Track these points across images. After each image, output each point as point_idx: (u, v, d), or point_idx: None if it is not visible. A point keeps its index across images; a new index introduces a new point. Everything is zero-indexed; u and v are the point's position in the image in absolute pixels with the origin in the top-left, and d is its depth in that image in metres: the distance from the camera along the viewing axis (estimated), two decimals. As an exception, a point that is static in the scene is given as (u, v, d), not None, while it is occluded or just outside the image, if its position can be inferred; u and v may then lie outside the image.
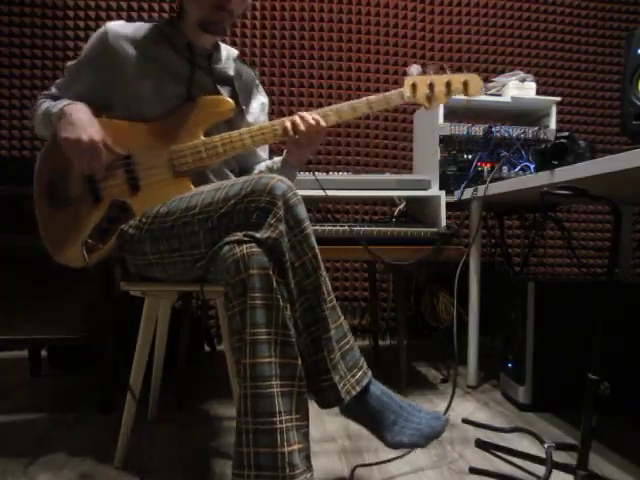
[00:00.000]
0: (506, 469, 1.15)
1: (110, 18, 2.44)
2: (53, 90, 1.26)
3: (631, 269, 2.23)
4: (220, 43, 1.34)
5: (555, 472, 1.10)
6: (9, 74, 2.40)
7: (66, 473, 1.12)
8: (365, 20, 2.62)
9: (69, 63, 1.25)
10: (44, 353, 1.96)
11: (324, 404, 1.00)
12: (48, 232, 1.19)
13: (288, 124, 1.15)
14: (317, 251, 0.99)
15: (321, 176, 1.74)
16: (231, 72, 1.32)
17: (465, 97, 1.24)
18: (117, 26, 1.21)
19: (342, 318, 1.03)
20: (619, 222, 0.97)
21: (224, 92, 1.28)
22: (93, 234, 1.14)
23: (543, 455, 1.14)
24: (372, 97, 1.22)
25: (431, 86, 1.22)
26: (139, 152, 1.17)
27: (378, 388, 1.04)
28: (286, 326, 0.88)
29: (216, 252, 0.94)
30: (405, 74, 1.25)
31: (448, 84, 1.22)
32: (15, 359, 2.07)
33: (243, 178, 1.00)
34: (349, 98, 2.60)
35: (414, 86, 1.22)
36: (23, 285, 1.49)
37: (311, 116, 1.15)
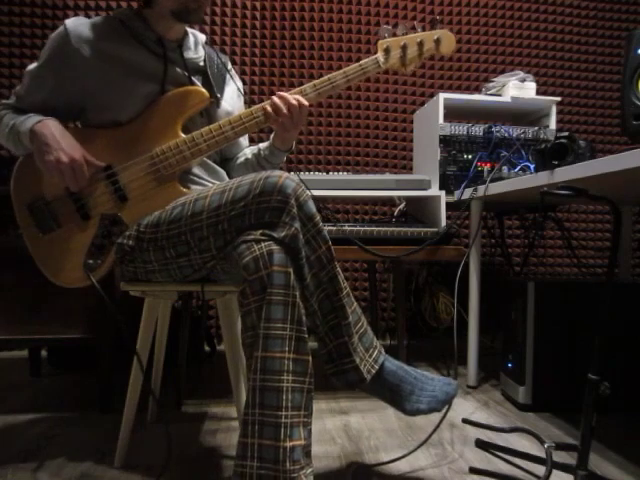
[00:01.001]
0: (506, 469, 1.15)
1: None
2: (12, 100, 1.18)
3: (631, 269, 2.23)
4: (188, 29, 1.27)
5: (555, 472, 1.10)
6: (9, 74, 2.40)
7: (66, 473, 1.12)
8: (365, 20, 2.62)
9: (28, 67, 1.15)
10: (44, 353, 1.96)
11: (348, 384, 1.04)
12: (42, 258, 1.14)
13: (269, 108, 1.13)
14: (330, 243, 1.02)
15: (321, 176, 1.74)
16: (202, 60, 1.26)
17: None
18: (78, 25, 1.12)
19: (355, 303, 1.08)
20: (619, 222, 0.97)
21: (198, 82, 1.23)
22: (90, 253, 1.11)
23: (543, 455, 1.14)
24: (348, 68, 1.19)
25: (404, 47, 1.19)
26: (119, 160, 1.12)
27: (392, 363, 1.09)
28: (301, 322, 0.90)
29: (229, 252, 0.96)
30: (377, 38, 1.19)
31: (420, 44, 1.19)
32: (15, 359, 2.07)
33: (249, 178, 0.98)
34: (349, 98, 2.61)
35: (387, 50, 1.19)
36: (23, 285, 1.49)
37: (291, 96, 1.14)
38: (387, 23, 2.63)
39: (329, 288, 1.01)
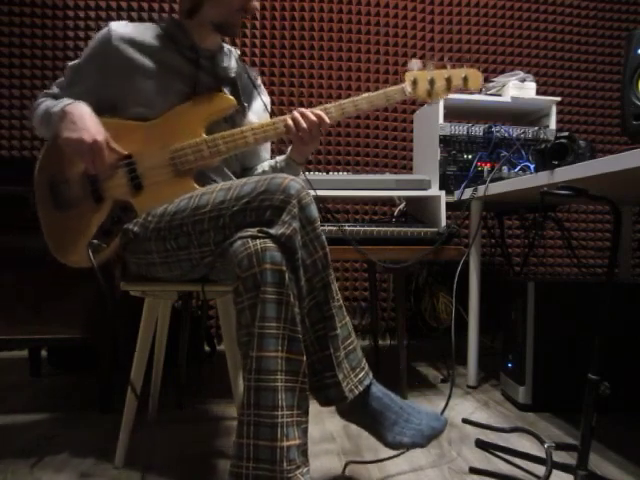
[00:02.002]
0: (506, 469, 1.15)
1: (110, 18, 2.44)
2: (54, 89, 1.25)
3: (631, 269, 2.23)
4: (223, 44, 1.33)
5: (555, 472, 1.10)
6: (9, 74, 2.40)
7: (66, 473, 1.12)
8: (365, 20, 2.62)
9: (71, 63, 1.24)
10: (44, 353, 1.96)
11: (326, 401, 1.01)
12: (52, 234, 1.19)
13: (290, 122, 1.16)
14: (327, 250, 1.01)
15: (321, 176, 1.74)
16: (233, 72, 1.32)
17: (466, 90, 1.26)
18: (120, 26, 1.19)
19: (347, 318, 1.05)
20: (619, 222, 0.97)
21: (227, 92, 1.27)
22: (97, 235, 1.14)
23: (543, 455, 1.14)
24: (373, 93, 1.23)
25: (432, 82, 1.23)
26: (140, 151, 1.17)
27: (379, 389, 1.05)
28: (295, 322, 0.89)
29: (226, 247, 0.95)
30: (406, 69, 1.26)
31: (448, 79, 1.23)
32: (15, 359, 2.07)
33: (255, 177, 1.00)
34: (349, 97, 2.60)
35: (415, 82, 1.23)
36: (23, 285, 1.49)
37: (313, 112, 1.16)
38: (387, 24, 2.63)
39: (320, 296, 1.00)
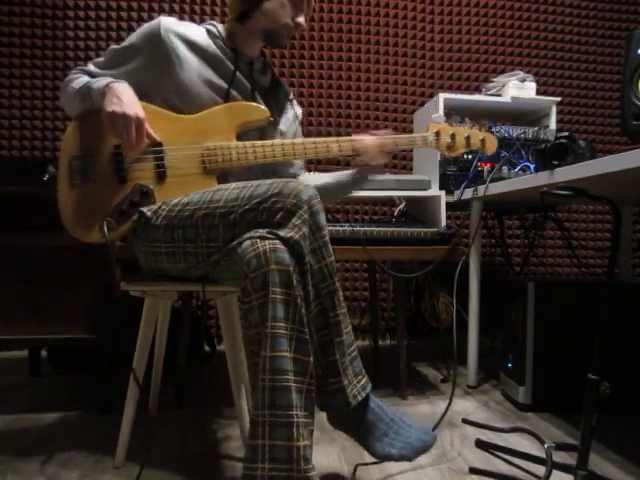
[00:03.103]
0: (506, 469, 1.16)
1: (110, 18, 2.43)
2: (91, 67, 1.25)
3: (631, 269, 2.23)
4: (261, 52, 1.35)
5: (555, 472, 1.10)
6: (9, 74, 2.40)
7: (66, 473, 1.12)
8: (365, 20, 2.62)
9: (114, 45, 1.25)
10: (44, 353, 1.96)
11: (329, 406, 1.01)
12: (67, 205, 1.17)
13: (333, 147, 1.24)
14: (334, 259, 1.02)
15: (321, 176, 1.74)
16: (268, 82, 1.35)
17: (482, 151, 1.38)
18: (170, 21, 1.21)
19: (350, 327, 1.05)
20: (619, 222, 0.97)
21: (259, 99, 1.29)
22: (113, 214, 1.14)
23: (543, 455, 1.14)
24: (400, 137, 1.31)
25: (453, 136, 1.33)
26: (171, 142, 1.18)
27: (373, 400, 1.06)
28: (302, 323, 0.90)
29: (235, 247, 0.96)
30: (430, 120, 1.37)
31: (468, 138, 1.34)
32: (15, 359, 2.07)
33: (270, 180, 1.01)
34: (349, 98, 2.60)
35: (438, 133, 1.33)
36: (23, 285, 1.49)
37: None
38: (387, 24, 2.63)
39: (327, 302, 1.00)
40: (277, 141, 1.22)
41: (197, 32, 1.24)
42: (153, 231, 1.09)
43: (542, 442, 1.21)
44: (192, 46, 1.21)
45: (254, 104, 1.24)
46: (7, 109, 2.40)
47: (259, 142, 1.20)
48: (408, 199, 2.10)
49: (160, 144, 1.18)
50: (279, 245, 0.91)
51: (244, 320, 0.91)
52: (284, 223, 0.95)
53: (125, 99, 1.10)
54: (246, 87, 1.27)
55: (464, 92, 2.63)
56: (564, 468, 1.11)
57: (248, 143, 1.19)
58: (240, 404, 1.17)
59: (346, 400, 0.99)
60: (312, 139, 1.24)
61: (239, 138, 1.21)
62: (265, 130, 1.29)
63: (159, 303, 1.27)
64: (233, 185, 1.05)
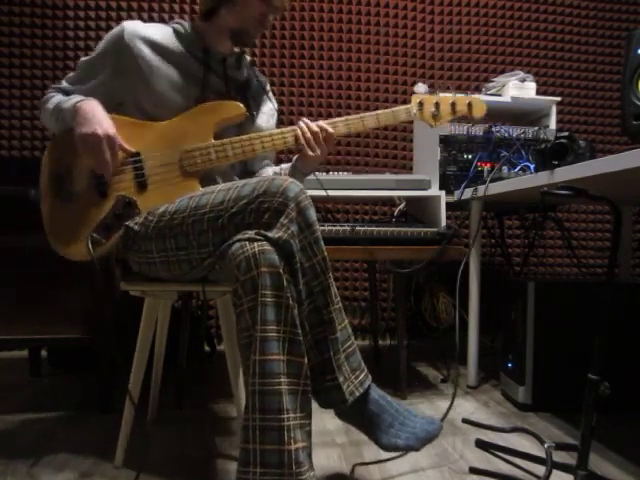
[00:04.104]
0: (506, 469, 1.15)
1: (110, 18, 2.44)
2: (64, 84, 1.26)
3: (631, 269, 2.23)
4: (235, 49, 1.33)
5: (555, 472, 1.10)
6: (9, 74, 2.40)
7: (66, 473, 1.12)
8: (365, 20, 2.62)
9: (83, 58, 1.25)
10: (44, 353, 1.96)
11: (327, 404, 1.01)
12: (52, 225, 1.18)
13: (298, 132, 1.18)
14: (326, 254, 1.01)
15: (321, 176, 1.74)
16: (243, 78, 1.33)
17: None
18: (134, 25, 1.20)
19: (346, 320, 1.05)
20: (619, 222, 0.97)
21: (235, 97, 1.28)
22: (98, 229, 1.14)
23: (543, 455, 1.14)
24: (380, 111, 1.26)
25: (437, 105, 1.28)
26: (148, 150, 1.18)
27: (376, 392, 1.06)
28: (295, 324, 0.89)
29: (225, 250, 0.95)
30: (412, 92, 1.31)
31: (453, 104, 1.29)
32: (15, 359, 2.07)
33: (255, 179, 1.00)
34: (349, 98, 2.60)
35: (421, 104, 1.28)
36: (23, 285, 1.49)
37: (317, 125, 1.19)
38: (387, 24, 2.63)
39: (320, 300, 1.00)
40: (254, 135, 1.19)
41: (163, 33, 1.23)
42: (144, 243, 1.09)
43: (542, 442, 1.21)
44: (159, 49, 1.20)
45: (227, 101, 1.22)
46: (7, 109, 2.40)
47: (236, 138, 1.18)
48: (408, 199, 2.10)
49: (138, 154, 1.17)
50: (267, 247, 0.90)
51: (237, 324, 0.91)
52: (272, 223, 0.94)
53: (94, 118, 1.10)
54: (220, 86, 1.26)
55: (464, 92, 2.62)
56: (564, 468, 1.11)
57: (226, 141, 1.18)
58: (239, 404, 1.17)
59: (342, 397, 0.99)
60: (291, 127, 1.21)
61: (218, 137, 1.19)
62: (243, 126, 1.27)
63: (159, 303, 1.27)
64: (218, 187, 1.05)
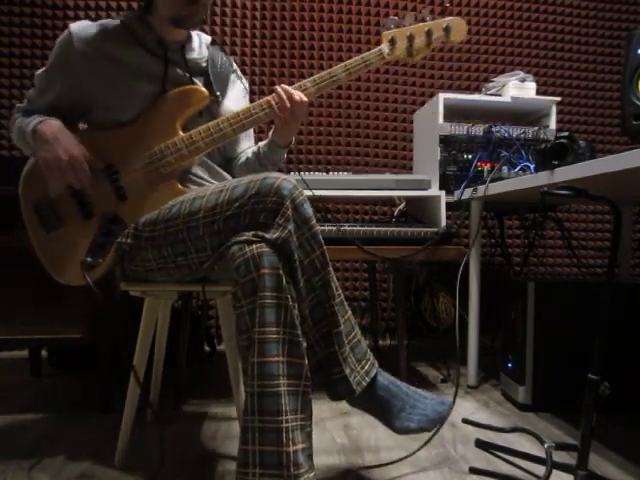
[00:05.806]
0: (506, 469, 1.15)
1: (110, 18, 2.43)
2: (25, 104, 1.22)
3: (631, 269, 2.23)
4: (192, 32, 1.29)
5: (555, 472, 1.10)
6: (9, 74, 2.40)
7: (66, 473, 1.12)
8: (365, 20, 2.62)
9: (38, 72, 1.20)
10: (44, 353, 1.96)
11: (336, 396, 1.02)
12: (45, 255, 1.17)
13: (273, 101, 1.14)
14: (324, 248, 1.00)
15: (321, 176, 1.74)
16: (204, 61, 1.27)
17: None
18: (82, 28, 1.15)
19: (349, 312, 1.06)
20: (619, 222, 0.97)
21: (199, 83, 1.23)
22: (90, 251, 1.10)
23: (543, 455, 1.14)
24: (349, 61, 1.16)
25: (410, 38, 1.15)
26: (120, 159, 1.14)
27: (385, 377, 1.07)
28: (294, 326, 0.89)
29: (223, 252, 0.95)
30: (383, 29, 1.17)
31: (429, 33, 1.14)
32: (15, 359, 2.07)
33: (246, 178, 0.99)
34: (349, 97, 2.61)
35: (393, 41, 1.14)
36: (23, 285, 1.49)
37: (285, 91, 1.14)
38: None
39: (322, 294, 0.99)
40: (222, 119, 1.14)
41: (115, 33, 1.18)
42: (141, 253, 1.08)
43: (542, 442, 1.21)
44: (112, 54, 1.15)
45: (187, 87, 1.17)
46: (7, 109, 2.40)
47: (205, 127, 1.13)
48: (408, 199, 2.10)
49: (111, 165, 1.14)
50: (265, 248, 0.89)
51: (237, 326, 0.91)
52: (269, 223, 0.92)
53: (55, 141, 1.07)
54: (182, 76, 1.21)
55: (464, 92, 2.62)
56: (564, 468, 1.11)
57: (194, 131, 1.13)
58: (240, 404, 1.17)
59: (350, 388, 1.00)
60: (257, 102, 1.15)
61: (187, 128, 1.15)
62: (212, 111, 1.22)
63: (159, 303, 1.27)
64: (209, 190, 1.02)
